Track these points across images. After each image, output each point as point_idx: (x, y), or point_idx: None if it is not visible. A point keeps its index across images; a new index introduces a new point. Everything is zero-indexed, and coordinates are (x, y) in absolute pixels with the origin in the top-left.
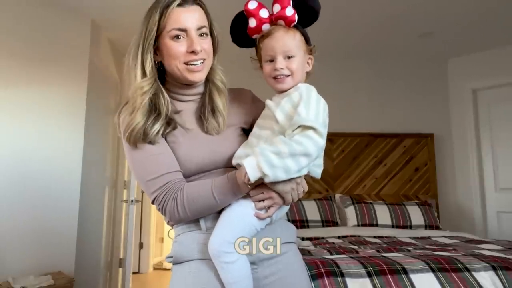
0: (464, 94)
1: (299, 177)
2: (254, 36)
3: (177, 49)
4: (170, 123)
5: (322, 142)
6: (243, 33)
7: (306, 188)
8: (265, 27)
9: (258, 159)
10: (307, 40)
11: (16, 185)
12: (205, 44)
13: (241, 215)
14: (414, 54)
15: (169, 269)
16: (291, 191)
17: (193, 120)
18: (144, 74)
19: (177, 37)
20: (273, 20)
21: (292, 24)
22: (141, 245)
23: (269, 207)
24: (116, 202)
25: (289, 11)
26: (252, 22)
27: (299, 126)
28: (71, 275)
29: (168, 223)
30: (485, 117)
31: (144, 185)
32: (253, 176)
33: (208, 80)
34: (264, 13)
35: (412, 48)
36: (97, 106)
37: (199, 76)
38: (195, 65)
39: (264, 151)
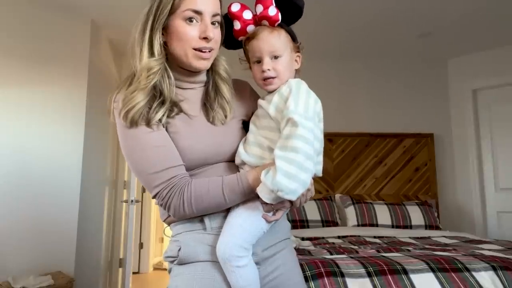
0: (464, 94)
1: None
2: (240, 38)
3: (189, 32)
4: (173, 109)
5: (311, 136)
6: (229, 34)
7: (314, 193)
8: (250, 28)
9: (279, 194)
10: (293, 38)
11: (15, 185)
12: (216, 33)
13: (250, 218)
14: (414, 54)
15: None
16: (301, 196)
17: (197, 108)
18: (151, 53)
19: (190, 19)
20: (257, 20)
21: (276, 23)
22: (141, 245)
23: (276, 210)
24: (116, 202)
25: (272, 11)
26: (237, 25)
27: (288, 120)
28: (71, 275)
29: (164, 220)
30: (485, 117)
31: (144, 178)
32: (276, 202)
33: (212, 70)
34: (247, 15)
35: (412, 48)
36: (97, 106)
37: (205, 64)
38: (203, 51)
39: (280, 184)
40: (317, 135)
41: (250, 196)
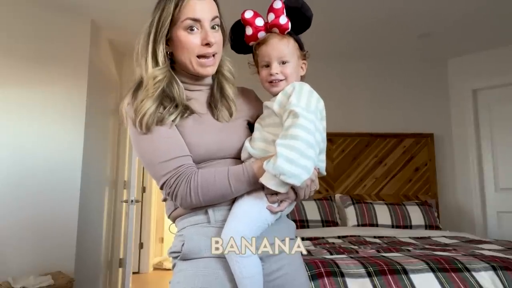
0: (464, 94)
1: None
2: (251, 43)
3: (191, 41)
4: (186, 110)
5: (312, 126)
6: (240, 40)
7: (318, 186)
8: (261, 34)
9: (281, 178)
10: (300, 46)
11: (16, 185)
12: (217, 37)
13: (255, 208)
14: (414, 54)
15: (169, 269)
16: (306, 187)
17: (204, 106)
18: (156, 63)
19: (190, 28)
20: (268, 28)
21: (286, 32)
22: (141, 245)
23: (281, 201)
24: (116, 202)
25: (283, 20)
26: (249, 30)
27: (290, 112)
28: (71, 275)
29: (169, 216)
30: (485, 117)
31: (153, 168)
32: (283, 190)
33: (217, 71)
34: (259, 22)
35: (412, 48)
36: (97, 106)
37: (211, 70)
38: (207, 58)
39: (281, 168)
40: (319, 128)
41: (255, 186)
